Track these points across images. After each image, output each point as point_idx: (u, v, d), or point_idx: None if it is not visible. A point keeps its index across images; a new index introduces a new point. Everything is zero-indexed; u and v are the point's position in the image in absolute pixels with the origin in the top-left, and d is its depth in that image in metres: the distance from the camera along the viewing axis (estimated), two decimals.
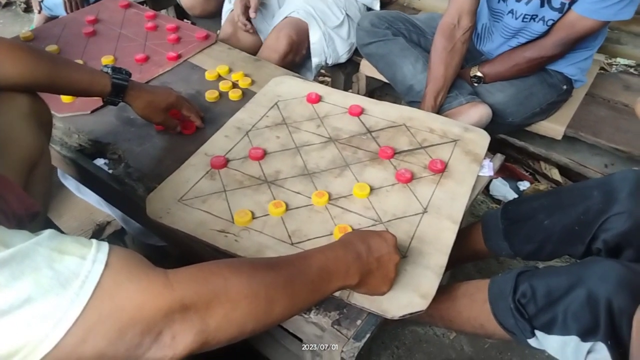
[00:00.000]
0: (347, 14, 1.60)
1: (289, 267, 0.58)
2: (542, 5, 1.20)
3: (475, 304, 0.86)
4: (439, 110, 1.29)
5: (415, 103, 1.36)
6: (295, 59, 1.55)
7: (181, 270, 0.50)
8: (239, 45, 1.53)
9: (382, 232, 0.73)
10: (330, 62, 1.61)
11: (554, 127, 1.38)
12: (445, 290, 0.88)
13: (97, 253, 0.45)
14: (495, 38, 1.35)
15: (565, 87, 1.34)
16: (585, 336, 0.72)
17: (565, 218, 0.90)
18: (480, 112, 1.27)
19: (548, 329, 0.76)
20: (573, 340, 0.73)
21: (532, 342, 0.79)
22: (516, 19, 1.25)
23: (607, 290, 0.70)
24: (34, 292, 0.40)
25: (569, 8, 1.16)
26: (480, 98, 1.31)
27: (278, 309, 0.55)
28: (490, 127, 1.28)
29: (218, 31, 2.10)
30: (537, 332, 0.78)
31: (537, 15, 1.22)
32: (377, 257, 0.68)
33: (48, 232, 0.45)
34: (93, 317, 0.42)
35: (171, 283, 0.47)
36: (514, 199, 1.07)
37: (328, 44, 1.56)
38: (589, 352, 0.73)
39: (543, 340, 0.78)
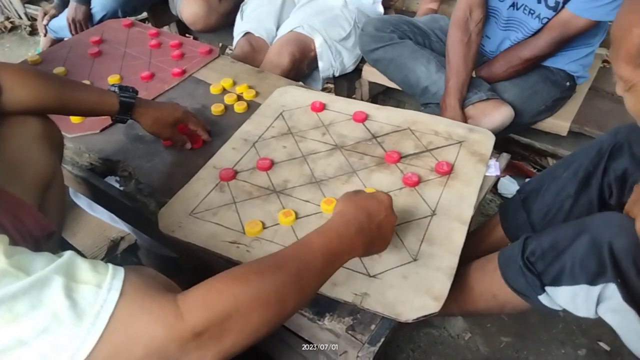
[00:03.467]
0: (355, 26, 1.60)
1: (295, 262, 0.58)
2: (538, 2, 1.21)
3: (486, 275, 0.88)
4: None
5: (431, 105, 1.36)
6: (297, 74, 1.56)
7: (190, 295, 0.49)
8: (256, 63, 1.54)
9: (376, 193, 0.73)
10: (337, 74, 1.62)
11: (559, 123, 1.38)
12: (457, 272, 0.89)
13: (113, 280, 0.45)
14: (493, 34, 1.36)
15: (568, 83, 1.35)
16: (594, 280, 0.73)
17: (583, 161, 0.94)
18: (503, 114, 1.26)
19: (557, 282, 0.77)
20: (583, 289, 0.74)
21: (543, 299, 0.80)
22: (517, 9, 1.27)
23: (609, 234, 0.72)
24: (51, 323, 0.41)
25: (562, 7, 1.17)
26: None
27: (290, 307, 0.55)
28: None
29: (220, 44, 2.14)
30: (547, 288, 0.79)
31: (534, 11, 1.23)
32: (376, 223, 0.69)
33: (67, 257, 0.46)
34: (108, 350, 0.43)
35: (182, 313, 0.47)
36: (532, 178, 1.09)
37: (335, 58, 1.58)
38: (598, 303, 0.74)
39: (553, 295, 0.79)
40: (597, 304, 0.74)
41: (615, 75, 0.69)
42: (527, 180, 1.08)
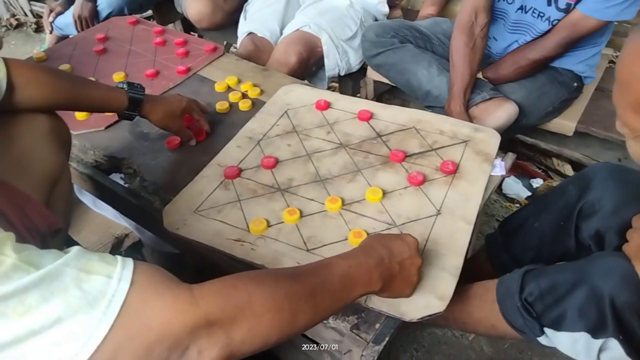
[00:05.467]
0: (361, 25, 1.60)
1: (312, 277, 0.59)
2: (548, 4, 1.20)
3: (485, 305, 0.87)
4: None
5: (434, 108, 1.36)
6: (304, 73, 1.56)
7: (206, 285, 0.51)
8: (259, 62, 1.53)
9: (403, 235, 0.73)
10: (342, 73, 1.62)
11: (565, 123, 1.37)
12: (456, 292, 0.89)
13: (123, 271, 0.46)
14: (501, 36, 1.35)
15: (575, 84, 1.34)
16: (595, 333, 0.72)
17: (550, 216, 0.94)
18: (507, 111, 1.26)
19: (557, 326, 0.76)
20: (583, 336, 0.73)
21: (542, 340, 0.79)
22: (525, 13, 1.26)
23: (610, 287, 0.70)
24: (64, 312, 0.42)
25: (573, 8, 1.17)
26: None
27: (302, 320, 0.55)
28: (505, 130, 1.28)
29: (225, 42, 2.14)
30: (546, 329, 0.78)
31: (544, 14, 1.22)
32: (399, 261, 0.68)
33: (75, 251, 0.46)
34: (121, 335, 0.43)
35: (196, 299, 0.48)
36: (511, 215, 1.09)
37: (342, 57, 1.57)
38: (601, 350, 0.72)
39: (553, 338, 0.77)
40: (599, 352, 0.72)
41: (618, 117, 0.64)
42: (506, 218, 1.09)
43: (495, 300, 0.84)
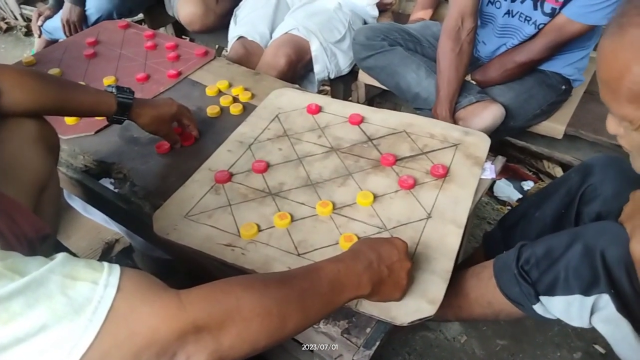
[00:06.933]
0: (350, 28, 1.61)
1: (301, 281, 0.59)
2: (535, 8, 1.21)
3: (482, 282, 0.88)
4: None
5: (423, 110, 1.37)
6: (293, 76, 1.57)
7: (193, 290, 0.50)
8: (250, 66, 1.53)
9: (392, 238, 0.73)
10: (332, 76, 1.63)
11: (554, 126, 1.38)
12: (451, 280, 0.90)
13: (109, 277, 0.45)
14: (489, 40, 1.36)
15: (564, 87, 1.35)
16: (588, 290, 0.73)
17: (552, 205, 0.96)
18: (493, 112, 1.27)
19: (551, 291, 0.77)
20: (577, 299, 0.74)
21: (537, 308, 0.80)
22: (512, 17, 1.27)
23: (601, 242, 0.72)
24: (49, 320, 0.41)
25: (558, 12, 1.18)
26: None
27: (291, 324, 0.55)
28: (492, 132, 1.29)
29: (216, 46, 2.14)
30: (541, 297, 0.79)
31: (530, 18, 1.24)
32: (388, 264, 0.68)
33: (61, 257, 0.46)
34: (108, 342, 0.43)
35: (184, 305, 0.48)
36: (510, 209, 1.10)
37: (330, 60, 1.58)
38: (592, 313, 0.74)
39: (548, 304, 0.78)
40: (591, 314, 0.74)
41: (609, 118, 0.64)
42: (506, 213, 1.11)
43: (492, 275, 0.85)
